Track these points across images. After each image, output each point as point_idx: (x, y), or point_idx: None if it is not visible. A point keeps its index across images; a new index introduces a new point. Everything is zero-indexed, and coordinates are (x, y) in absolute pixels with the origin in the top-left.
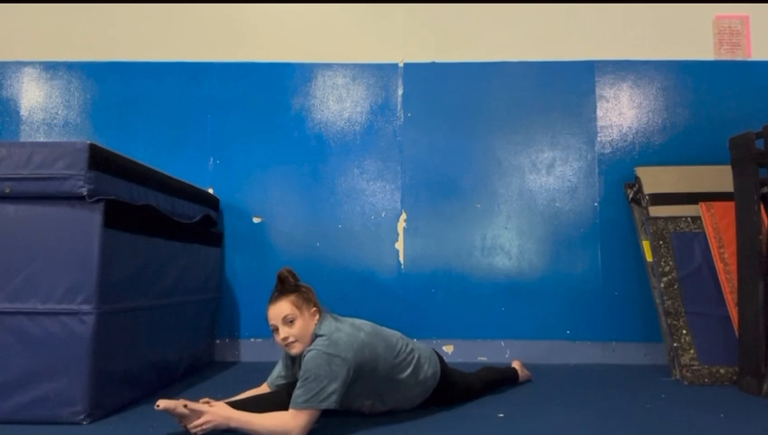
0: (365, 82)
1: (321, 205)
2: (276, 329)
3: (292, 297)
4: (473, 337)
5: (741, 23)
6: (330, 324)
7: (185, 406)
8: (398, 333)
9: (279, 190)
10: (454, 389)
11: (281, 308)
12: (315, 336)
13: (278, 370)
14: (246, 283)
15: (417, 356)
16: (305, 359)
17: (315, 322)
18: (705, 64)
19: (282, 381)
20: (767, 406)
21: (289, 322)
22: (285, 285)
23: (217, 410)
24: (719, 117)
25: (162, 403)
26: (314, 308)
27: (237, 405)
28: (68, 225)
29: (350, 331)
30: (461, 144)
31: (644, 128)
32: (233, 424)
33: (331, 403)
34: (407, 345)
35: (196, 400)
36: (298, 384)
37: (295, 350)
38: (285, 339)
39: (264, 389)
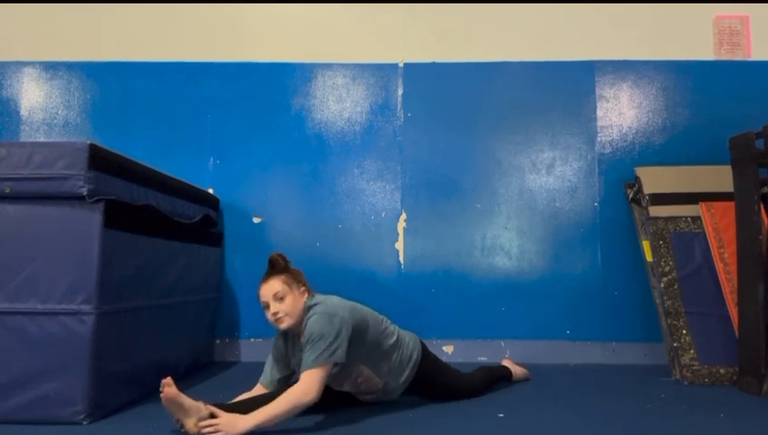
0: (365, 82)
1: (321, 205)
2: (267, 306)
3: (283, 277)
4: (473, 337)
5: (741, 23)
6: (318, 297)
7: (205, 404)
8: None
9: (279, 190)
10: (438, 371)
11: (272, 286)
12: (308, 308)
13: (269, 367)
14: (246, 283)
15: (396, 329)
16: (308, 325)
17: (305, 299)
18: (705, 64)
19: (278, 376)
20: (767, 406)
21: (279, 298)
22: (276, 267)
23: (232, 421)
24: (719, 117)
25: (170, 391)
26: (303, 287)
27: (235, 407)
28: (68, 225)
29: (338, 299)
30: (461, 144)
31: (644, 128)
32: (249, 428)
33: (338, 357)
34: (386, 319)
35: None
36: (306, 349)
37: (284, 324)
38: (275, 314)
39: (258, 390)
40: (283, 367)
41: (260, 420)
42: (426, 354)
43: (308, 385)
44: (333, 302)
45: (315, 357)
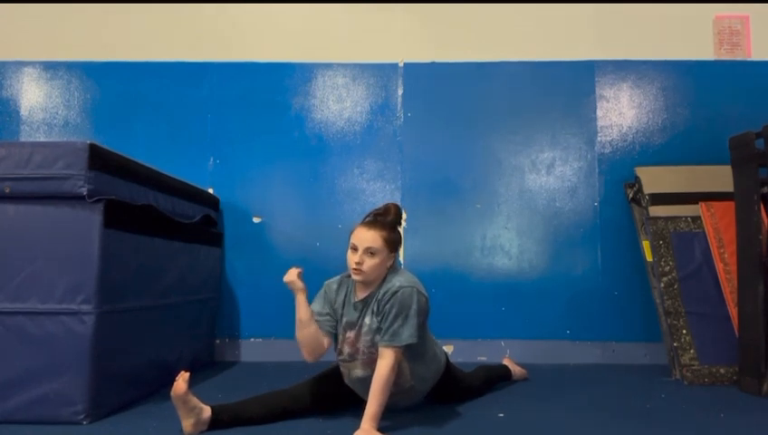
0: (365, 82)
1: (321, 205)
2: (355, 249)
3: (386, 234)
4: (472, 337)
5: (741, 23)
6: (403, 270)
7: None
8: None
9: (279, 190)
10: (455, 382)
11: (372, 236)
12: (392, 277)
13: (322, 315)
14: (246, 283)
15: (430, 333)
16: (401, 295)
17: (389, 265)
18: (705, 64)
19: (329, 323)
20: (767, 406)
21: (370, 253)
22: (387, 217)
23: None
24: (719, 117)
25: (179, 386)
26: (393, 254)
27: (236, 407)
28: (68, 225)
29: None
30: (461, 144)
31: (644, 128)
32: (376, 425)
33: (416, 339)
34: None
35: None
36: (396, 321)
37: (359, 277)
38: (359, 263)
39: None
40: (332, 322)
41: (378, 415)
42: (448, 366)
43: (395, 360)
44: (415, 278)
45: (410, 334)
